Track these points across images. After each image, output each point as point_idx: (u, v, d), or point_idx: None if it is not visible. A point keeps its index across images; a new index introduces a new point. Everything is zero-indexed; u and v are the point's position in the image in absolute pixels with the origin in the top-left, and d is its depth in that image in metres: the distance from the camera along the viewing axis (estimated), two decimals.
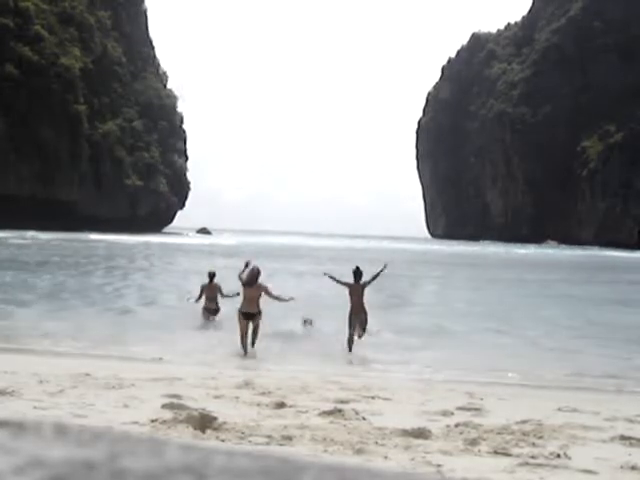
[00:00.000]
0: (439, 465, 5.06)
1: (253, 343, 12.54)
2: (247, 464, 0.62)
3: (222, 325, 14.70)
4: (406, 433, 5.94)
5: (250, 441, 5.57)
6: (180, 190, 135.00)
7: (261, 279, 12.61)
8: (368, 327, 13.31)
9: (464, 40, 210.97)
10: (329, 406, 7.06)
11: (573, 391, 10.08)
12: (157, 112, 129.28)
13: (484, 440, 5.87)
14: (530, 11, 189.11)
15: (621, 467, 5.23)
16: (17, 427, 0.66)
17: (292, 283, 25.38)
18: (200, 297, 15.59)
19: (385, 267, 12.96)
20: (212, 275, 15.53)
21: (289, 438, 5.68)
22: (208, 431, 5.74)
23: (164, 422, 5.94)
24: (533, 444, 5.83)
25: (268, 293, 12.46)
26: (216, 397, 7.57)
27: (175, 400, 7.02)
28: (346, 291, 13.20)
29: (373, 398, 8.02)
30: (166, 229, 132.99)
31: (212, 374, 9.46)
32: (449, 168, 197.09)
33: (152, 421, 6.00)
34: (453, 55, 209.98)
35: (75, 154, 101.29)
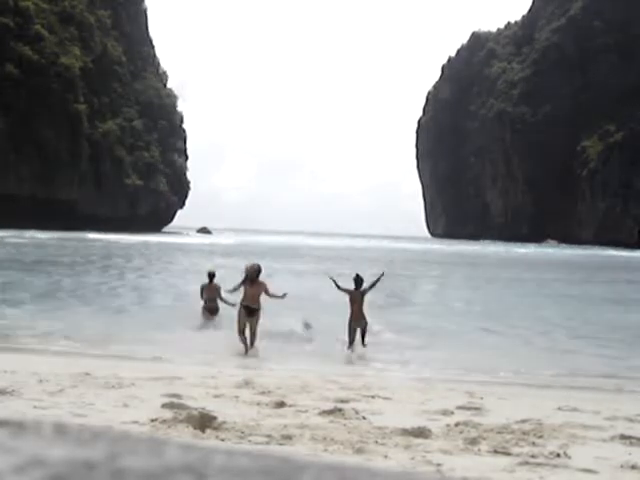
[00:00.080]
0: (439, 464, 5.06)
1: (252, 343, 12.60)
2: (247, 463, 0.62)
3: (222, 325, 14.70)
4: (406, 432, 5.94)
5: (250, 440, 5.57)
6: (180, 190, 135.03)
7: (261, 278, 12.77)
8: (368, 327, 13.37)
9: (464, 39, 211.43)
10: (329, 405, 7.06)
11: (573, 390, 10.07)
12: (157, 112, 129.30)
13: (484, 439, 5.87)
14: (530, 10, 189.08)
15: (621, 466, 5.23)
16: (17, 426, 0.65)
17: (292, 283, 25.35)
18: (202, 297, 15.62)
19: (383, 275, 13.18)
20: (212, 275, 15.52)
21: (289, 437, 5.68)
22: (208, 430, 5.74)
23: (164, 421, 5.94)
24: (533, 443, 5.82)
25: (266, 291, 12.64)
26: (216, 396, 7.57)
27: (175, 399, 7.02)
28: (346, 297, 13.30)
29: (373, 397, 8.02)
30: (166, 229, 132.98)
31: (212, 373, 9.46)
32: (449, 168, 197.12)
33: (152, 420, 6.00)
34: (453, 54, 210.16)
35: (75, 154, 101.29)
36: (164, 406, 6.67)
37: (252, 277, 12.66)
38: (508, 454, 5.48)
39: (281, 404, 7.17)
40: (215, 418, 5.96)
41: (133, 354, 11.85)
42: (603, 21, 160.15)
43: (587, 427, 6.67)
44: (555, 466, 5.17)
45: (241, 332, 12.63)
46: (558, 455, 5.45)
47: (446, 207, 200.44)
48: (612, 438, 6.24)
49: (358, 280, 13.24)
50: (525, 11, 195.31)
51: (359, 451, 5.35)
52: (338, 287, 13.35)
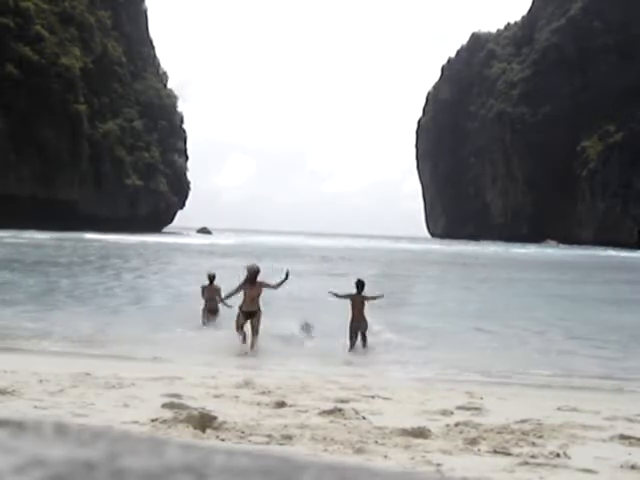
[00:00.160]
0: (439, 464, 5.07)
1: (253, 345, 12.65)
2: (247, 463, 0.62)
3: (222, 325, 14.70)
4: (406, 432, 5.94)
5: (250, 440, 5.57)
6: (180, 190, 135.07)
7: (261, 279, 12.85)
8: (368, 327, 13.45)
9: (464, 40, 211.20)
10: (329, 405, 7.06)
11: (573, 390, 10.08)
12: (157, 112, 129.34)
13: (484, 439, 5.88)
14: (530, 11, 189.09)
15: (621, 466, 5.23)
16: (17, 426, 0.65)
17: (293, 283, 25.34)
18: (203, 297, 15.67)
19: (383, 296, 13.58)
20: (212, 277, 15.55)
21: (289, 437, 5.68)
22: (208, 430, 5.74)
23: (164, 421, 5.94)
24: (533, 443, 5.83)
25: (269, 286, 12.86)
26: (216, 396, 7.57)
27: (175, 399, 7.02)
28: (348, 302, 13.44)
29: (373, 397, 8.02)
30: (166, 229, 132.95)
31: (212, 373, 9.46)
32: (449, 168, 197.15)
33: (152, 420, 6.00)
34: (453, 55, 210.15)
35: (75, 154, 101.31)
36: (164, 406, 6.67)
37: (252, 278, 12.74)
38: (508, 454, 5.49)
39: (281, 404, 7.18)
40: (215, 418, 5.96)
41: (133, 354, 11.86)
42: (603, 21, 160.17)
43: (587, 427, 6.67)
44: (555, 466, 5.17)
45: (239, 328, 12.76)
46: (558, 455, 5.45)
47: (446, 207, 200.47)
48: (612, 438, 6.24)
49: (359, 284, 13.48)
50: (525, 12, 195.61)
51: (359, 451, 5.36)
52: (340, 296, 13.58)
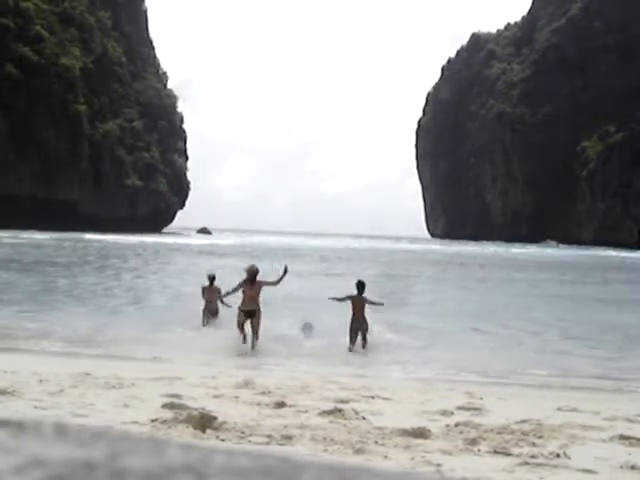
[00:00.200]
0: (439, 465, 5.07)
1: (253, 345, 12.68)
2: (247, 464, 0.62)
3: (222, 325, 14.71)
4: (406, 433, 5.94)
5: (250, 441, 5.57)
6: (180, 190, 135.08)
7: (261, 279, 12.93)
8: (368, 327, 13.48)
9: (464, 40, 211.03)
10: (329, 406, 7.06)
11: (573, 391, 10.08)
12: (157, 112, 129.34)
13: (484, 440, 5.88)
14: (530, 11, 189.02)
15: (621, 467, 5.23)
16: (17, 427, 0.65)
17: (293, 283, 25.35)
18: (203, 297, 15.68)
19: (382, 304, 13.66)
20: (212, 278, 15.56)
21: (289, 438, 5.68)
22: (208, 431, 5.74)
23: (164, 422, 5.94)
24: (533, 444, 5.83)
25: (268, 283, 12.94)
26: (216, 397, 7.57)
27: (175, 400, 7.02)
28: (349, 303, 13.48)
29: (373, 398, 8.02)
30: (166, 229, 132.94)
31: (212, 373, 9.46)
32: (449, 168, 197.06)
33: (152, 421, 6.00)
34: (453, 55, 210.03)
35: (75, 154, 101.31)
36: (164, 406, 6.67)
37: (251, 278, 12.83)
38: (508, 454, 5.49)
39: (281, 404, 7.18)
40: (215, 418, 5.96)
41: (133, 354, 11.86)
42: (603, 21, 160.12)
43: (587, 427, 6.67)
44: (555, 466, 5.17)
45: (239, 326, 12.81)
46: (558, 455, 5.45)
47: (446, 207, 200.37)
48: (612, 438, 6.24)
49: (360, 285, 13.54)
50: (525, 12, 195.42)
51: (359, 451, 5.36)
52: (340, 300, 13.66)
